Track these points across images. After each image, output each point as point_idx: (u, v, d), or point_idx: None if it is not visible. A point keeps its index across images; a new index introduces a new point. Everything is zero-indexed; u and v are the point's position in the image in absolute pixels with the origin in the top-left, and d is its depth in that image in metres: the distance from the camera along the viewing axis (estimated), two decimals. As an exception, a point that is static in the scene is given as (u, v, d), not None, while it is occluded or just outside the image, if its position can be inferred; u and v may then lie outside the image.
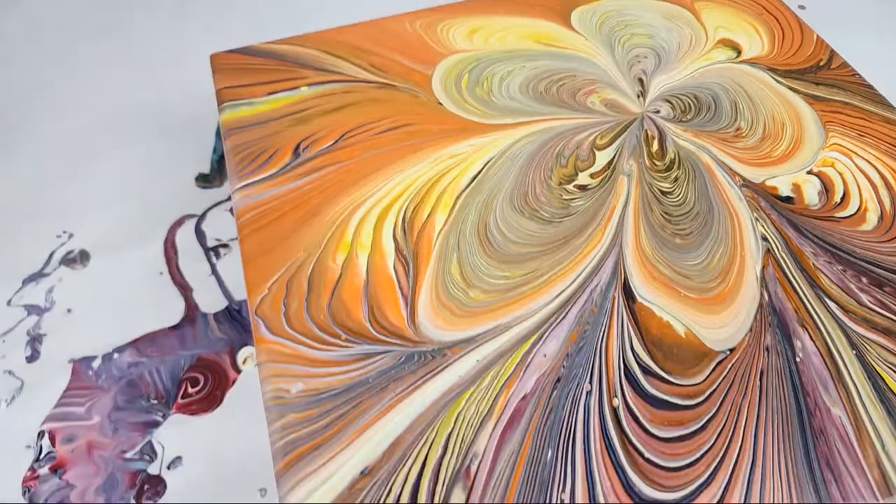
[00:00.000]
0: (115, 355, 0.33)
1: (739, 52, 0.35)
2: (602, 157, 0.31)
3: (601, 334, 0.25)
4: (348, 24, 0.38)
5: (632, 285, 0.26)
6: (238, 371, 0.33)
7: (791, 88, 0.33)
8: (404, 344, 0.25)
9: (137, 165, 0.41)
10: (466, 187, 0.30)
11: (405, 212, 0.29)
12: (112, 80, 0.45)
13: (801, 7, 0.47)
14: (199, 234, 0.38)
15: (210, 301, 0.35)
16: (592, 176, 0.30)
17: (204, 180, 0.40)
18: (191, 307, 0.35)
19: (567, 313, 0.26)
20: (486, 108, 0.33)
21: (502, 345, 0.25)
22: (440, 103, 0.33)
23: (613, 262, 0.27)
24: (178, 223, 0.38)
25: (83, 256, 0.37)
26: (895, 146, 0.31)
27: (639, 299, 0.26)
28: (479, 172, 0.30)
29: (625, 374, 0.24)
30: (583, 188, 0.30)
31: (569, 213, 0.29)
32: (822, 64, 0.34)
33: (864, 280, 0.26)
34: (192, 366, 0.33)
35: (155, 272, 0.36)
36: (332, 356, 0.25)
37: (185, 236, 0.38)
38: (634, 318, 0.25)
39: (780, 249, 0.27)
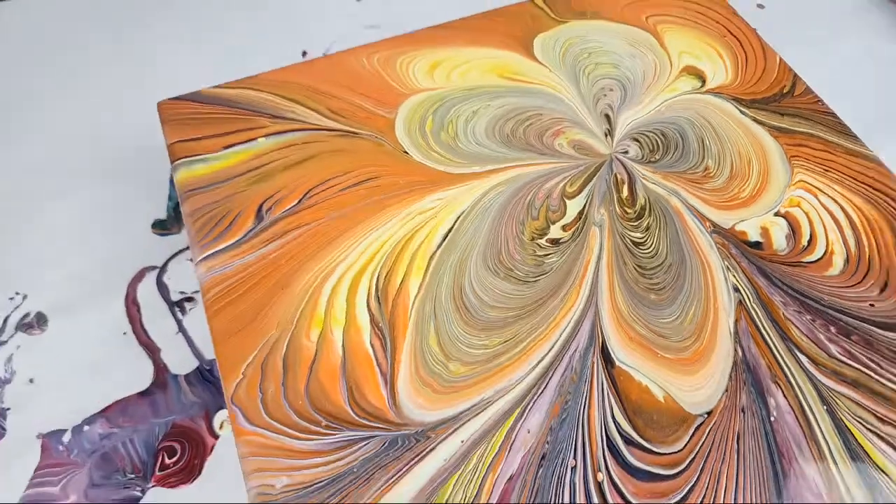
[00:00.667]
0: (86, 427, 0.32)
1: (704, 81, 0.34)
2: (573, 207, 0.30)
3: (583, 404, 0.25)
4: (301, 62, 0.36)
5: (609, 348, 0.26)
6: (215, 436, 0.32)
7: (756, 120, 0.33)
8: (387, 427, 0.25)
9: (87, 214, 0.39)
10: (438, 247, 0.29)
11: (378, 278, 0.28)
12: (51, 121, 0.43)
13: (760, 6, 0.47)
14: (162, 288, 0.36)
15: (179, 360, 0.34)
16: (564, 228, 0.30)
17: (161, 227, 0.38)
18: (160, 369, 0.34)
19: (548, 383, 0.26)
20: (453, 156, 0.32)
21: (486, 422, 0.25)
22: (405, 152, 0.32)
23: (590, 324, 0.27)
24: (139, 277, 0.37)
25: (40, 320, 0.35)
26: (858, 181, 0.31)
27: (617, 363, 0.26)
28: (451, 229, 0.30)
29: (608, 446, 0.24)
30: (555, 242, 0.29)
31: (543, 272, 0.28)
32: (785, 91, 0.34)
33: (832, 329, 0.27)
34: (168, 434, 0.32)
35: (118, 333, 0.35)
36: (315, 446, 0.24)
37: (146, 291, 0.36)
38: (614, 383, 0.26)
39: (751, 300, 0.28)
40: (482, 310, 0.27)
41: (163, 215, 0.39)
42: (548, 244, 0.29)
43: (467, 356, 0.26)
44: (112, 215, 0.39)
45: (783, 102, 0.34)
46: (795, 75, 0.35)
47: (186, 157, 0.32)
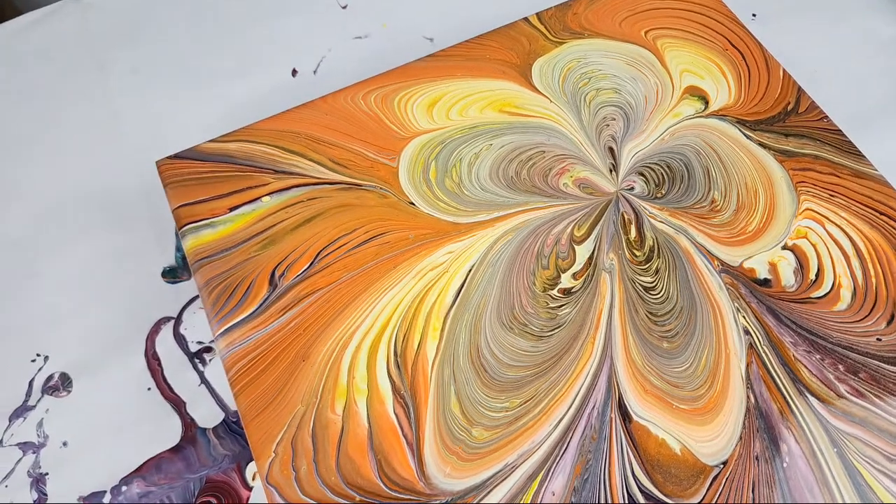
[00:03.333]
0: (124, 487, 0.34)
1: (707, 103, 0.34)
2: (582, 252, 0.31)
3: (603, 462, 0.26)
4: (296, 106, 0.35)
5: (626, 403, 0.27)
6: (249, 488, 0.33)
7: (761, 144, 0.33)
8: (417, 499, 0.26)
9: (95, 265, 0.39)
10: (452, 304, 0.29)
11: (395, 342, 0.29)
12: (46, 169, 0.42)
13: (754, 16, 0.45)
14: (180, 339, 0.37)
15: (205, 413, 0.35)
16: (575, 276, 0.30)
17: (171, 275, 0.38)
18: (187, 424, 0.35)
19: (569, 443, 0.27)
20: (459, 204, 0.32)
21: (512, 487, 0.26)
22: (412, 203, 0.32)
23: (606, 378, 0.28)
24: (156, 330, 0.37)
25: (65, 381, 0.36)
26: (864, 205, 0.31)
27: (634, 418, 0.27)
28: (463, 285, 0.30)
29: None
30: (567, 292, 0.30)
31: (557, 325, 0.29)
32: (790, 108, 0.34)
33: (840, 368, 0.28)
34: (203, 489, 0.33)
35: (142, 388, 0.36)
36: (351, 521, 0.26)
37: (165, 343, 0.37)
38: (632, 439, 0.27)
39: (761, 343, 0.28)
40: (500, 370, 0.28)
41: (171, 263, 0.39)
42: (560, 295, 0.30)
43: (489, 420, 0.27)
44: (121, 266, 0.39)
45: (788, 121, 0.33)
46: (800, 89, 0.34)
47: (192, 222, 0.32)
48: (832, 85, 0.44)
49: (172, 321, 0.38)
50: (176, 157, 0.34)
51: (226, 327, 0.29)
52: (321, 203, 0.32)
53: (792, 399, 0.27)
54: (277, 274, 0.30)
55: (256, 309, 0.30)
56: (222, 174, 0.33)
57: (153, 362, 0.37)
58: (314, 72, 0.45)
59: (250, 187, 0.33)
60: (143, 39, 0.47)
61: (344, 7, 0.48)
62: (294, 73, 0.45)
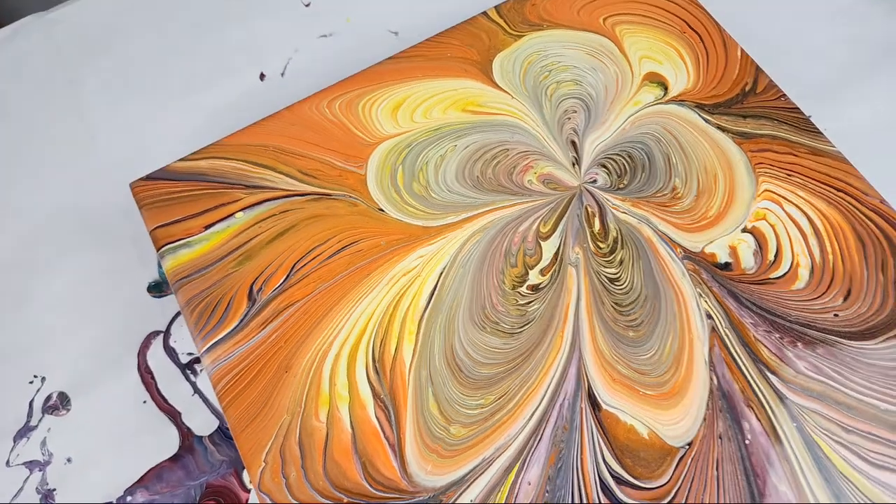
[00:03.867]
0: (128, 498, 0.35)
1: (667, 89, 0.34)
2: (548, 248, 0.31)
3: (575, 451, 0.28)
4: (263, 119, 0.36)
5: (595, 392, 0.29)
6: (247, 490, 0.35)
7: (720, 127, 0.33)
8: (402, 496, 0.27)
9: (82, 284, 0.40)
10: (426, 307, 0.31)
11: (373, 348, 0.30)
12: (26, 190, 0.43)
13: None
14: (170, 352, 0.38)
15: (200, 422, 0.36)
16: (542, 272, 0.31)
17: (157, 290, 0.39)
18: (184, 433, 0.36)
19: (542, 435, 0.28)
20: (427, 207, 0.33)
21: (490, 480, 0.27)
22: (381, 209, 0.33)
23: (576, 370, 0.29)
24: (146, 344, 0.38)
25: (63, 401, 0.37)
26: (821, 182, 0.32)
27: (604, 407, 0.28)
28: (435, 288, 0.31)
29: (601, 489, 0.27)
30: (535, 288, 0.31)
31: (527, 321, 0.30)
32: (748, 89, 0.34)
33: (798, 345, 0.29)
34: (204, 494, 0.35)
35: (138, 402, 0.37)
36: (340, 522, 0.27)
37: (156, 357, 0.38)
38: (602, 427, 0.28)
39: (723, 326, 0.29)
40: (474, 368, 0.29)
41: (156, 277, 0.40)
42: (528, 291, 0.31)
43: (466, 417, 0.28)
44: (107, 283, 0.40)
45: (746, 102, 0.34)
46: (758, 69, 0.35)
47: (169, 242, 0.33)
48: (794, 56, 0.44)
49: (162, 335, 0.39)
50: (149, 177, 0.34)
51: (210, 344, 0.31)
52: (293, 215, 0.33)
53: (753, 378, 0.28)
54: (255, 289, 0.31)
55: (238, 324, 0.31)
56: (195, 192, 0.34)
57: (146, 376, 0.38)
58: (282, 74, 0.46)
59: (223, 204, 0.33)
60: (111, 53, 0.47)
61: (307, 5, 0.48)
62: (262, 76, 0.46)
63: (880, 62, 0.43)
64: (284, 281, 0.31)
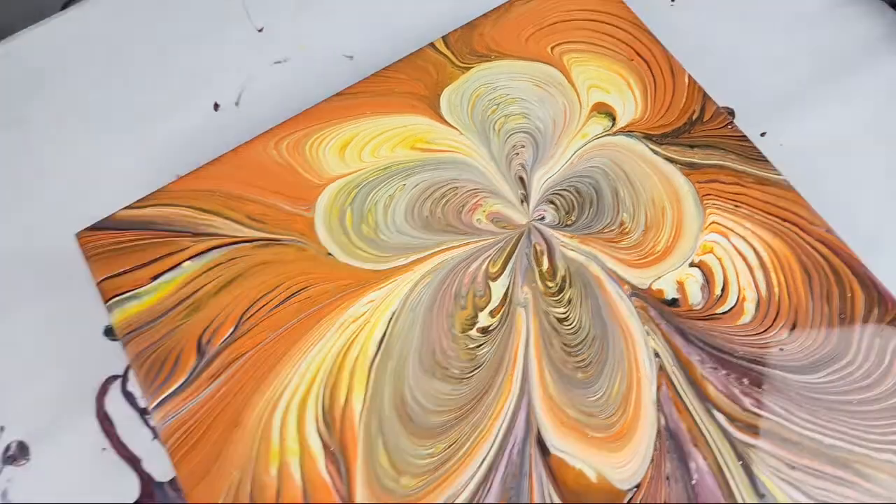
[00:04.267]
0: (91, 546, 0.35)
1: (614, 120, 0.34)
2: (497, 289, 0.31)
3: (525, 498, 0.28)
4: (209, 162, 0.35)
5: (544, 437, 0.29)
6: (210, 534, 0.35)
7: (668, 158, 0.33)
8: (354, 550, 0.28)
9: (36, 330, 0.39)
10: (376, 355, 0.30)
11: (323, 399, 0.30)
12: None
13: (672, 1, 0.45)
14: (129, 397, 0.38)
15: (161, 468, 0.36)
16: (492, 314, 0.31)
17: (113, 334, 0.39)
18: (145, 481, 0.36)
19: (492, 483, 0.28)
20: (377, 250, 0.32)
21: (440, 530, 0.28)
22: (330, 254, 0.32)
23: (525, 415, 0.29)
24: (104, 390, 0.38)
25: (22, 451, 0.37)
26: (768, 213, 0.32)
27: (552, 451, 0.28)
28: (385, 334, 0.31)
29: (551, 535, 0.27)
30: (485, 331, 0.31)
31: (477, 365, 0.30)
32: (695, 118, 0.34)
33: (745, 381, 0.29)
34: (167, 540, 0.35)
35: (98, 449, 0.37)
36: (293, 578, 0.27)
37: (114, 403, 0.38)
38: (551, 472, 0.28)
39: (670, 364, 0.30)
40: (424, 416, 0.29)
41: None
42: (478, 334, 0.31)
43: (416, 468, 0.29)
44: (63, 328, 0.39)
45: (694, 131, 0.34)
46: (705, 96, 0.34)
47: (117, 295, 0.32)
48: (753, 67, 0.44)
49: (119, 379, 0.39)
50: (95, 227, 0.34)
51: (159, 399, 0.30)
52: (241, 262, 0.33)
53: (700, 417, 0.29)
54: (204, 341, 0.31)
55: (187, 379, 0.31)
56: (142, 242, 0.33)
57: (105, 423, 0.38)
58: (236, 103, 0.45)
59: (170, 253, 0.33)
60: (60, 88, 0.46)
61: (260, 30, 0.47)
62: (216, 107, 0.45)
63: (838, 73, 0.43)
64: (233, 332, 0.31)
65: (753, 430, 0.28)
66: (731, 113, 0.41)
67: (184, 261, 0.33)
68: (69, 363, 0.39)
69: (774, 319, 0.30)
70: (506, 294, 0.31)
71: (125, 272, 0.33)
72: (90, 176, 0.44)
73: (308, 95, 0.47)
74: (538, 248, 0.32)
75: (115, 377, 0.39)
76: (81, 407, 0.38)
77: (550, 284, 0.31)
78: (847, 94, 0.43)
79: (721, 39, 0.45)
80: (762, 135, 0.41)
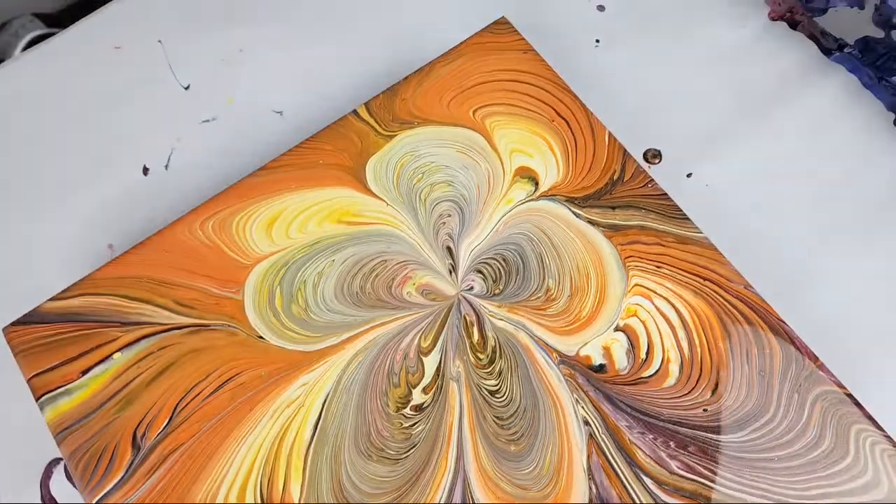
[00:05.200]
0: None
1: (537, 184, 0.35)
2: (430, 364, 0.32)
3: (463, 577, 0.28)
4: (135, 246, 0.35)
5: (480, 514, 0.29)
6: None
7: (590, 221, 0.34)
8: None
9: (-23, 414, 0.39)
10: (311, 440, 0.31)
11: (261, 488, 0.30)
12: None
13: (597, 42, 0.45)
14: (73, 479, 0.37)
15: (111, 550, 0.36)
16: (425, 390, 0.31)
17: (54, 415, 0.38)
18: (94, 566, 0.36)
19: (430, 563, 0.29)
20: (308, 330, 0.32)
21: None
22: (261, 337, 0.32)
23: (461, 492, 0.30)
24: (47, 474, 0.38)
25: (-34, 544, 0.37)
26: (688, 272, 0.33)
27: (488, 528, 0.29)
28: (319, 417, 0.31)
29: None
30: (419, 408, 0.31)
31: (413, 444, 0.30)
32: (615, 178, 0.34)
33: (671, 445, 0.30)
34: None
35: (45, 536, 0.37)
36: None
37: (59, 486, 0.37)
38: (488, 549, 0.29)
39: (600, 432, 0.30)
40: (363, 500, 0.30)
41: (51, 402, 0.39)
42: (412, 412, 0.31)
43: (356, 553, 0.29)
44: (1, 407, 0.39)
45: (615, 192, 0.34)
46: (625, 154, 0.35)
47: (47, 392, 0.32)
48: (678, 106, 0.45)
49: (63, 461, 0.38)
50: (21, 322, 0.33)
51: (97, 498, 0.30)
52: (172, 351, 0.32)
53: (630, 483, 0.30)
54: (139, 434, 0.31)
55: (124, 475, 0.30)
56: (70, 335, 0.33)
57: (51, 507, 0.38)
58: (166, 167, 0.44)
59: (99, 345, 0.33)
60: (-17, 158, 0.45)
61: (186, 88, 0.46)
62: (146, 170, 0.44)
63: (761, 109, 0.44)
64: (168, 424, 0.31)
65: (681, 492, 0.29)
66: (658, 154, 0.42)
67: (114, 352, 0.32)
68: (11, 448, 0.38)
69: (697, 380, 0.31)
70: (438, 369, 0.32)
71: (54, 367, 0.32)
72: (19, 251, 0.43)
73: (239, 155, 0.46)
74: (468, 319, 0.33)
75: (57, 460, 0.39)
76: (26, 492, 0.38)
77: (481, 356, 0.32)
78: (771, 130, 0.44)
79: (646, 78, 0.46)
80: (688, 175, 0.42)
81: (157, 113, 0.46)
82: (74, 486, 0.38)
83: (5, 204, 0.43)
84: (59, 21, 0.76)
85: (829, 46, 0.45)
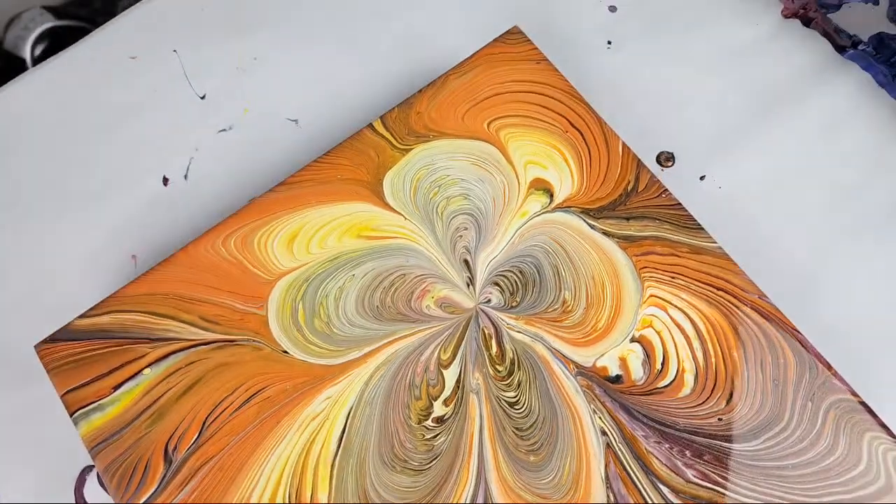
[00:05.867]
0: None
1: (552, 196, 0.35)
2: (450, 377, 0.33)
3: (486, 583, 0.30)
4: (159, 263, 0.36)
5: (502, 522, 0.30)
6: None
7: (605, 233, 0.34)
8: None
9: (5, 426, 0.40)
10: (336, 452, 0.32)
11: (289, 500, 0.31)
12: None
13: (609, 44, 0.45)
14: (105, 486, 0.39)
15: (145, 555, 0.38)
16: (446, 402, 0.32)
17: (85, 424, 0.40)
18: (130, 569, 0.38)
19: (454, 571, 0.30)
20: (330, 344, 0.33)
21: None
22: (285, 351, 0.33)
23: (483, 502, 0.31)
24: (81, 481, 0.39)
25: (6, 550, 0.38)
26: (702, 283, 0.33)
27: (510, 536, 0.30)
28: (344, 430, 0.32)
29: None
30: (440, 420, 0.32)
31: (435, 455, 0.31)
32: (630, 188, 0.35)
33: (687, 454, 0.31)
34: None
35: (81, 541, 0.38)
36: None
37: (93, 493, 0.39)
38: (510, 556, 0.30)
39: (617, 441, 0.31)
40: (387, 510, 0.31)
41: (82, 411, 0.40)
42: (434, 424, 0.32)
43: (383, 561, 0.30)
44: (31, 421, 0.40)
45: (629, 203, 0.35)
46: (639, 164, 0.35)
47: (81, 407, 0.33)
48: (691, 107, 0.45)
49: (94, 468, 0.40)
50: (52, 339, 0.34)
51: (132, 511, 0.32)
52: (200, 366, 0.33)
53: (647, 491, 0.30)
54: (170, 448, 0.32)
55: (157, 487, 0.32)
56: (100, 351, 0.34)
57: (86, 513, 0.39)
58: (185, 177, 0.45)
59: (129, 361, 0.34)
60: (2, 171, 0.46)
61: (202, 97, 0.47)
62: (165, 181, 0.45)
63: (774, 109, 0.44)
64: (197, 438, 0.32)
65: (697, 500, 0.30)
66: (672, 157, 0.42)
67: (143, 368, 0.34)
68: (44, 457, 0.40)
69: (712, 390, 0.32)
70: (458, 381, 0.33)
71: (87, 383, 0.33)
72: (43, 264, 0.44)
73: (256, 163, 0.47)
74: (486, 331, 0.33)
75: (90, 467, 0.40)
76: (61, 500, 0.39)
77: (500, 368, 0.33)
78: (784, 130, 0.44)
79: (658, 79, 0.46)
80: (702, 178, 0.43)
81: (175, 123, 0.46)
82: (107, 491, 0.39)
83: (27, 217, 0.44)
84: (66, 13, 0.76)
85: (843, 44, 0.44)
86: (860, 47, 0.44)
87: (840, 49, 0.44)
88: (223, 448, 0.32)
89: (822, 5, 0.44)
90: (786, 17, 0.46)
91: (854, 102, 0.43)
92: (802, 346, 0.32)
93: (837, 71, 0.44)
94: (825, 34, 0.45)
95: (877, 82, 0.43)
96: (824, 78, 0.44)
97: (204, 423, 0.33)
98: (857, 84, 0.44)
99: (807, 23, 0.45)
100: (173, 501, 0.31)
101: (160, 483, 0.32)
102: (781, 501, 0.30)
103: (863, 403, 0.31)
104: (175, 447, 0.32)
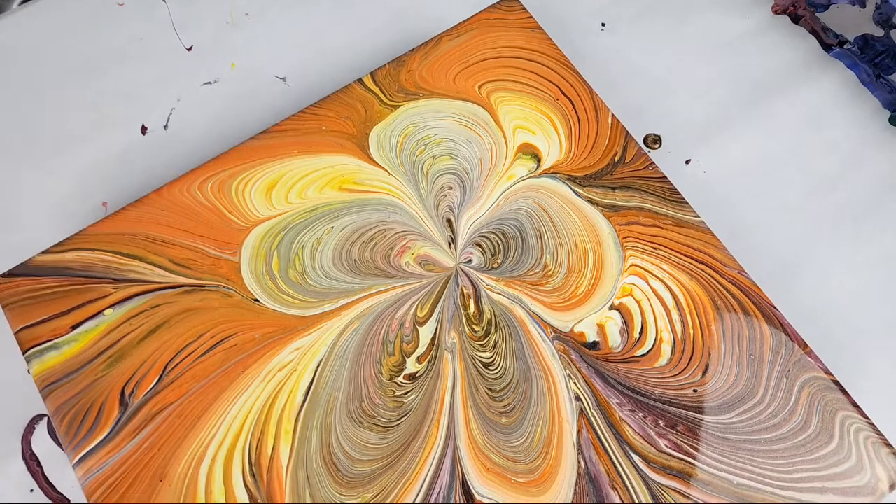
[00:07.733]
0: None
1: (539, 161, 0.35)
2: (425, 334, 0.32)
3: (449, 545, 0.29)
4: (131, 203, 0.34)
5: (469, 484, 0.29)
6: (142, 577, 0.35)
7: (590, 200, 0.34)
8: None
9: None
10: (302, 405, 0.31)
11: (249, 451, 0.30)
12: None
13: (603, 25, 0.45)
14: (55, 437, 0.37)
15: (91, 509, 0.36)
16: (419, 360, 0.31)
17: (39, 373, 0.38)
18: (74, 524, 0.36)
19: (417, 530, 0.29)
20: (304, 295, 0.32)
21: (367, 579, 0.28)
22: (256, 300, 0.32)
23: (451, 461, 0.30)
24: (30, 430, 0.37)
25: (-56, 498, 0.36)
26: (684, 255, 0.33)
27: (477, 498, 0.29)
28: (311, 382, 0.31)
29: (474, 580, 0.28)
30: (412, 377, 0.31)
31: (404, 412, 0.30)
32: (617, 159, 0.35)
33: (661, 423, 0.30)
34: (97, 585, 0.35)
35: (25, 490, 0.36)
36: None
37: (41, 442, 0.37)
38: (475, 518, 0.29)
39: (590, 407, 0.31)
40: (351, 466, 0.30)
41: (37, 359, 0.38)
42: (405, 381, 0.31)
43: (343, 518, 0.29)
44: (-17, 368, 0.38)
45: (616, 173, 0.34)
46: (628, 135, 0.35)
47: (36, 345, 0.31)
48: (680, 92, 0.45)
49: (46, 418, 0.38)
50: (11, 273, 0.33)
51: (81, 455, 0.30)
52: (165, 309, 0.32)
53: (618, 459, 0.30)
54: (127, 393, 0.31)
55: (109, 433, 0.30)
56: (61, 289, 0.32)
57: (32, 463, 0.37)
58: (165, 127, 0.44)
59: (91, 301, 0.32)
60: (-25, 109, 0.44)
61: (189, 49, 0.46)
62: (144, 129, 0.44)
63: (761, 99, 0.45)
64: (157, 383, 0.31)
65: (668, 470, 0.30)
66: (658, 139, 0.42)
67: (105, 308, 0.32)
68: (-8, 404, 0.38)
69: (689, 362, 0.31)
70: (433, 339, 0.32)
71: (43, 321, 0.32)
72: (11, 204, 0.43)
73: (239, 119, 0.46)
74: (465, 291, 0.33)
75: (41, 416, 0.38)
76: (7, 448, 0.37)
77: (477, 328, 0.32)
78: (769, 121, 0.44)
79: (649, 64, 0.46)
80: (687, 162, 0.43)
81: (158, 73, 0.45)
82: (56, 442, 0.37)
83: (2, 155, 0.43)
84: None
85: (830, 42, 0.45)
86: (846, 46, 0.44)
87: (826, 47, 0.45)
88: (183, 394, 0.31)
89: (811, 4, 0.45)
90: (776, 13, 0.46)
91: (837, 99, 0.44)
92: (779, 322, 0.32)
93: (823, 68, 0.45)
94: (813, 32, 0.45)
95: (860, 80, 0.44)
96: (810, 73, 0.45)
97: (165, 368, 0.31)
98: (842, 81, 0.44)
99: (795, 20, 0.46)
100: (125, 448, 0.30)
101: (113, 428, 0.30)
102: (751, 477, 0.29)
103: (836, 383, 0.31)
104: (132, 391, 0.31)
